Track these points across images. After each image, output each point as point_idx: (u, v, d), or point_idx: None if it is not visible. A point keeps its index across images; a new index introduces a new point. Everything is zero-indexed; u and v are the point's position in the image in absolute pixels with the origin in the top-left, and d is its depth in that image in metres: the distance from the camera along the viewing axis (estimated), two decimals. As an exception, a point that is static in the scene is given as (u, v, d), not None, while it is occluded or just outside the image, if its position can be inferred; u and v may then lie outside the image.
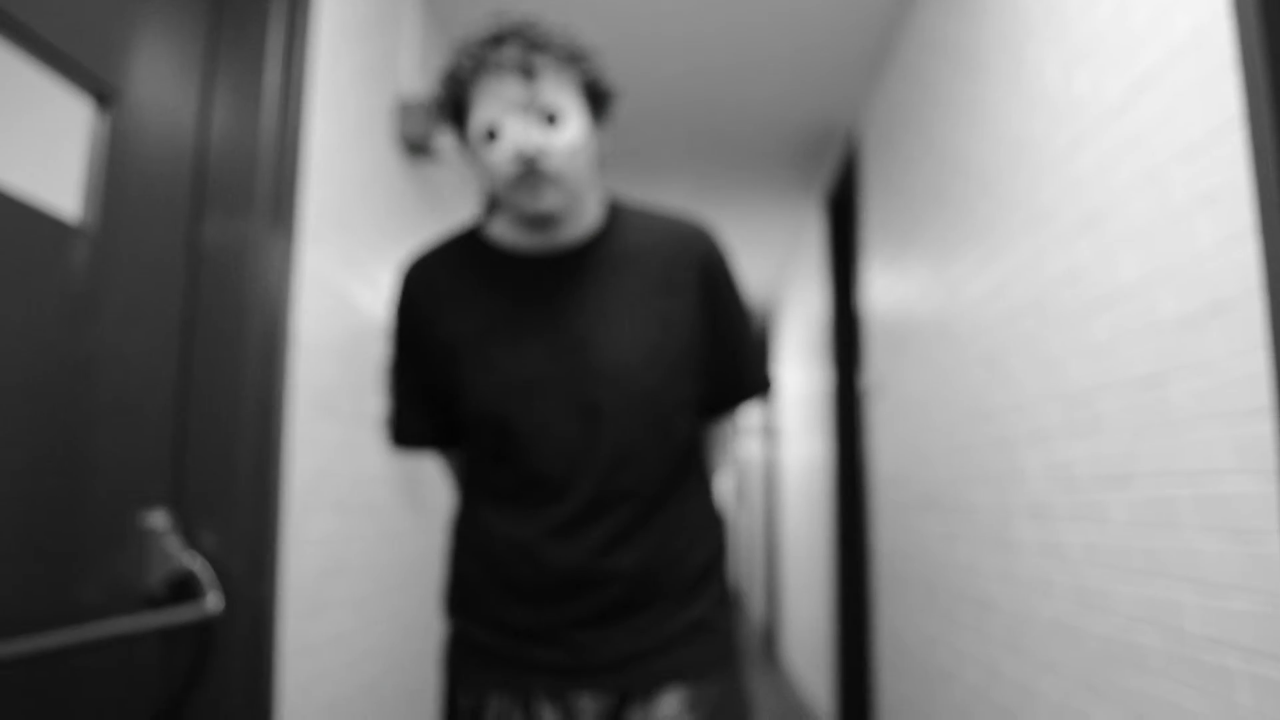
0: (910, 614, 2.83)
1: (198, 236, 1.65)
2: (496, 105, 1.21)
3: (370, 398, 2.22)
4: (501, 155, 1.22)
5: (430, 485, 2.71)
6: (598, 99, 1.29)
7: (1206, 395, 1.27)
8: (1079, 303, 1.64)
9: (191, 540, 1.58)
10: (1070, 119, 1.67)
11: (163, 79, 1.57)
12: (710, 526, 1.39)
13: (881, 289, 3.26)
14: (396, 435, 1.45)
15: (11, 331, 1.24)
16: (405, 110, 2.34)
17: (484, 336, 1.33)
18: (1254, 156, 1.17)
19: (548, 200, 1.23)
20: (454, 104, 1.26)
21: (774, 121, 3.56)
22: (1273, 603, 1.14)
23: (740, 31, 2.89)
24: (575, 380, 1.29)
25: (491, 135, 1.22)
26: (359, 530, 2.13)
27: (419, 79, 2.54)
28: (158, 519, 1.53)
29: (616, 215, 1.37)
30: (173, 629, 1.56)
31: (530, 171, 1.21)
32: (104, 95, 1.42)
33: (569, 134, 1.22)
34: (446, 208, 2.88)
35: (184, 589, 1.54)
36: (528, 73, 1.19)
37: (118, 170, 1.44)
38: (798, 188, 4.40)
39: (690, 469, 1.39)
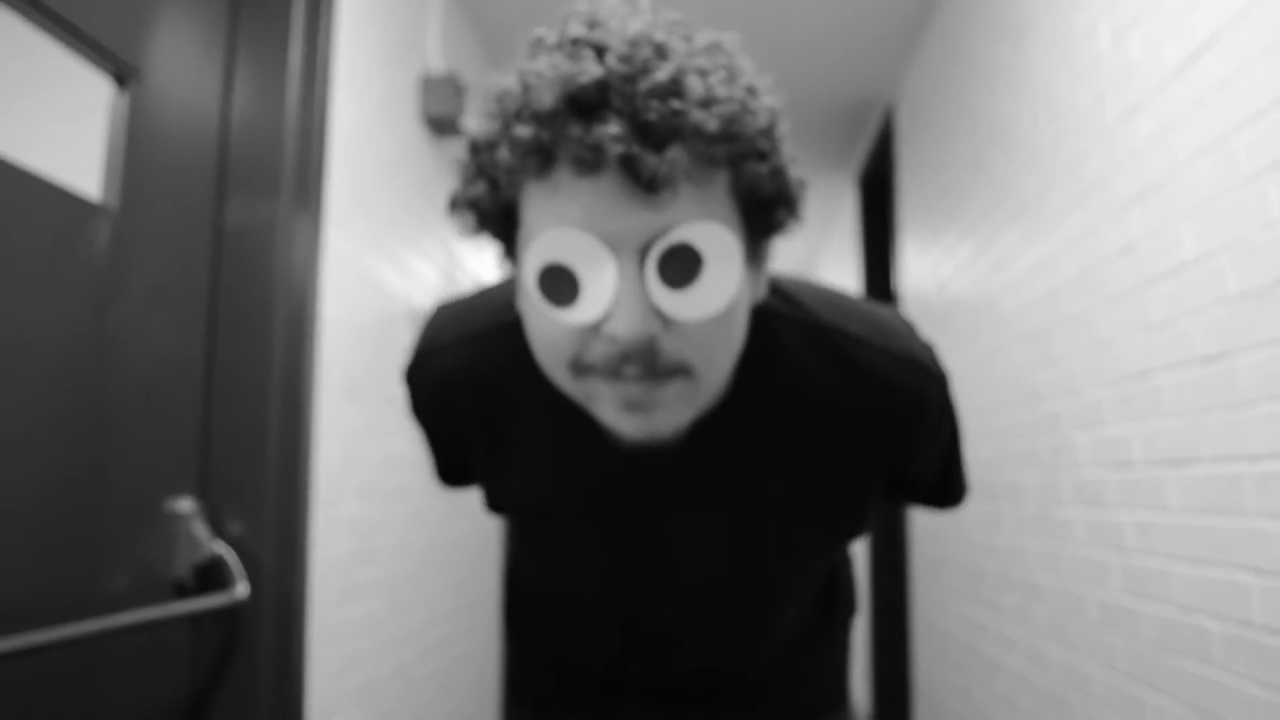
0: (949, 599, 2.77)
1: (221, 218, 1.62)
2: (575, 237, 0.65)
3: (397, 383, 2.18)
4: (578, 333, 0.69)
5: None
6: (767, 208, 0.72)
7: (1274, 373, 1.21)
8: (1133, 279, 1.57)
9: (218, 527, 1.56)
10: (1123, 86, 1.60)
11: (183, 58, 1.53)
12: (836, 634, 1.12)
13: (918, 267, 3.18)
14: (441, 477, 1.08)
15: (35, 311, 1.21)
16: (430, 87, 2.29)
17: (535, 514, 0.98)
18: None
19: (665, 423, 0.73)
20: (492, 202, 0.71)
21: (807, 97, 3.48)
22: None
23: (772, 3, 2.82)
24: (648, 608, 0.99)
25: (558, 285, 0.68)
26: (388, 515, 2.10)
27: (444, 55, 2.49)
28: (185, 506, 1.51)
29: (769, 348, 0.82)
30: (201, 616, 1.54)
31: (641, 375, 0.70)
32: (123, 74, 1.39)
33: (718, 295, 0.67)
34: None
35: (212, 577, 1.52)
36: (648, 184, 0.63)
37: (138, 149, 1.41)
38: (831, 165, 4.31)
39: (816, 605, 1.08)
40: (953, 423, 0.92)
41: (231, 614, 1.56)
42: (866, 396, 0.83)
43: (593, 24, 0.69)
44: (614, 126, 0.63)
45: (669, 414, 0.72)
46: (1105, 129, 1.66)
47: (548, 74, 0.65)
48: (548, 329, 0.71)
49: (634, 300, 0.65)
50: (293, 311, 1.66)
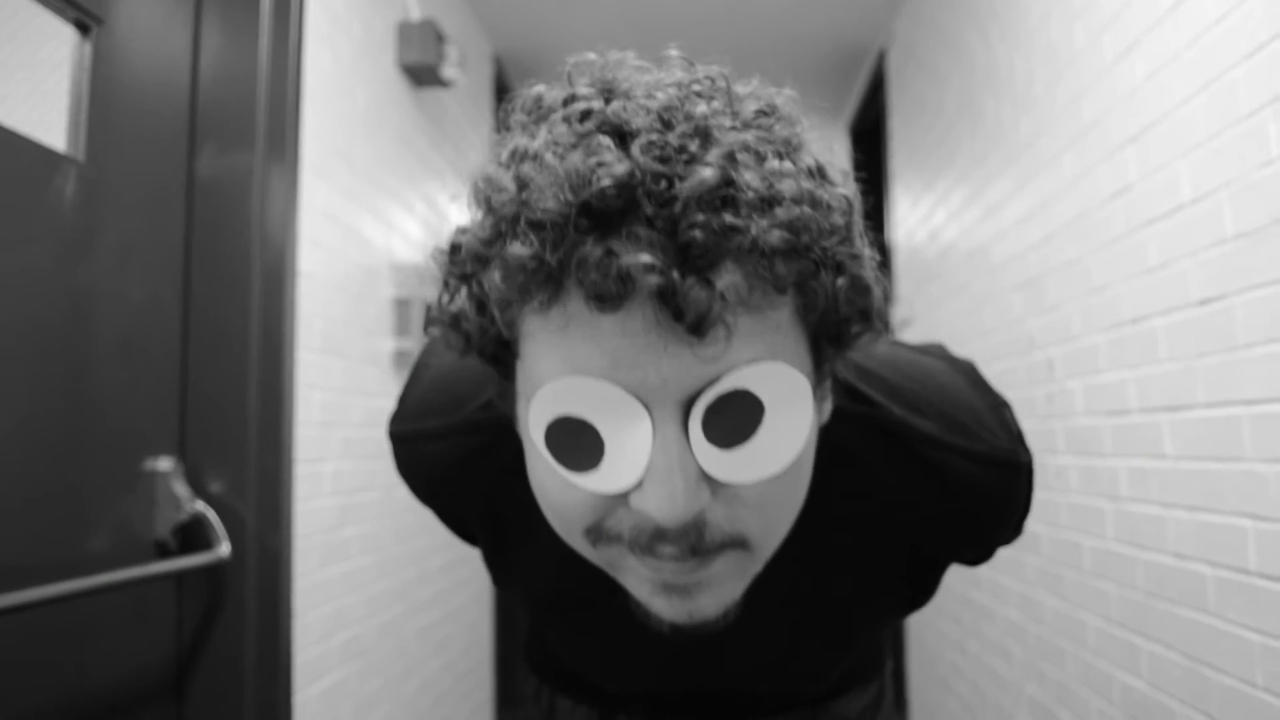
0: (941, 549, 2.77)
1: (193, 169, 1.57)
2: (596, 389, 0.51)
3: (381, 338, 2.15)
4: (600, 500, 0.55)
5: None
6: (842, 327, 0.56)
7: (1273, 313, 1.18)
8: (1128, 222, 1.54)
9: (199, 487, 1.53)
10: (1119, 23, 1.55)
11: (150, 5, 1.48)
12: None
13: (911, 217, 3.14)
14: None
15: (3, 264, 1.17)
16: (407, 35, 2.23)
17: (543, 612, 0.88)
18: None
19: (712, 606, 0.58)
20: (480, 327, 0.56)
21: (797, 43, 3.41)
22: (1347, 535, 1.06)
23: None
24: (680, 694, 0.91)
25: (574, 443, 0.53)
26: (372, 473, 2.08)
27: (421, 1, 2.43)
28: (164, 465, 1.48)
29: (834, 458, 0.66)
30: (184, 575, 1.52)
31: (682, 556, 0.55)
32: (85, 23, 1.34)
33: (782, 451, 0.53)
34: (454, 140, 2.78)
35: (193, 536, 1.50)
36: (693, 325, 0.48)
37: (104, 99, 1.37)
38: (822, 115, 4.24)
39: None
40: (1030, 503, 0.76)
41: (215, 573, 1.54)
42: (948, 505, 0.70)
43: (608, 91, 0.53)
44: (645, 254, 0.46)
45: (715, 595, 0.57)
46: (1101, 68, 1.62)
47: (552, 170, 0.49)
48: (559, 493, 0.56)
49: (674, 471, 0.50)
50: (270, 264, 1.62)
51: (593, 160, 0.48)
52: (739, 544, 0.56)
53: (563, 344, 0.51)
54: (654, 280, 0.46)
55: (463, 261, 0.55)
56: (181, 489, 1.50)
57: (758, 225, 0.48)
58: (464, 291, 0.56)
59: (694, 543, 0.54)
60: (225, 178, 1.59)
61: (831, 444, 0.65)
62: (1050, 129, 1.86)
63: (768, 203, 0.49)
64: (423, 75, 2.31)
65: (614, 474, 0.52)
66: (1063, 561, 1.83)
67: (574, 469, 0.53)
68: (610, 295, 0.47)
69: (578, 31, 3.14)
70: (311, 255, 1.79)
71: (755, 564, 0.59)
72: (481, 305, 0.55)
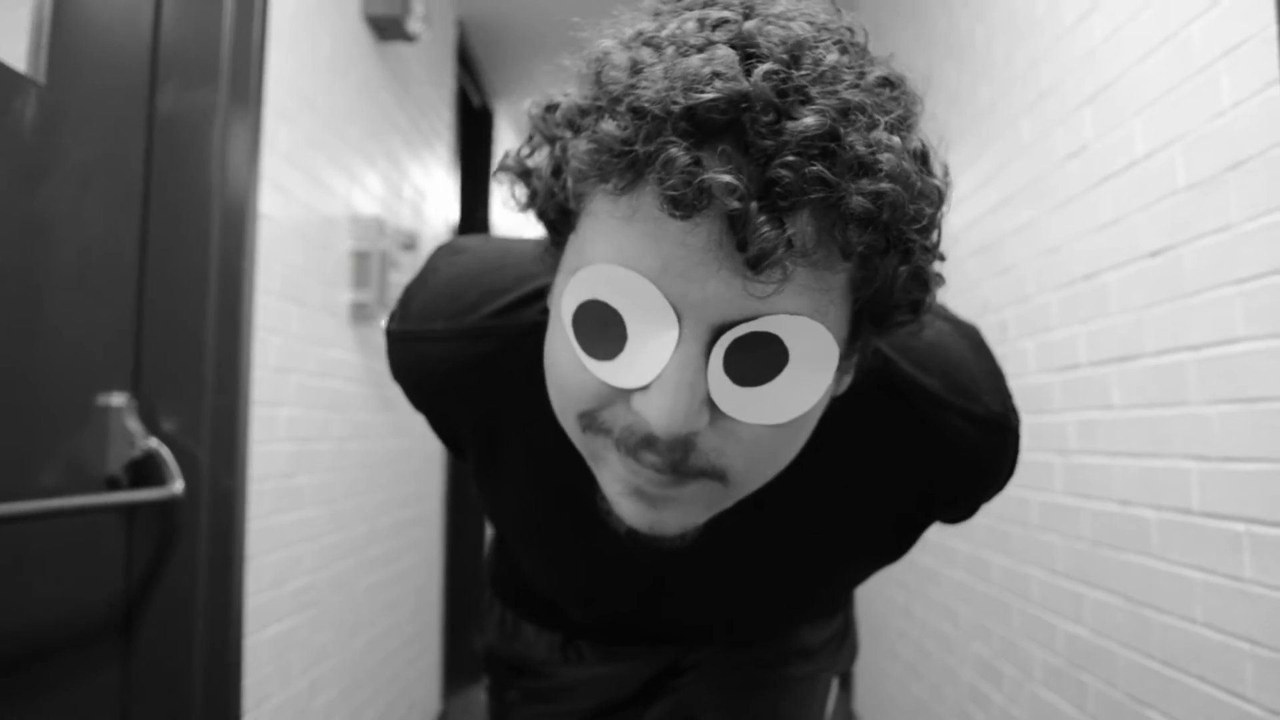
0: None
1: (154, 102, 1.55)
2: (639, 286, 0.51)
3: (339, 290, 2.13)
4: (604, 389, 0.55)
5: (404, 387, 2.64)
6: (889, 312, 0.58)
7: (1220, 260, 1.22)
8: (1084, 181, 1.58)
9: (152, 424, 1.51)
10: (1079, -14, 1.59)
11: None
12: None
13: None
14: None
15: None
16: (373, -15, 2.21)
17: (520, 527, 0.88)
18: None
19: (672, 523, 0.59)
20: (549, 188, 0.58)
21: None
22: (1286, 469, 1.10)
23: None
24: (644, 623, 0.93)
25: (599, 329, 0.53)
26: (326, 424, 2.06)
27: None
28: (117, 400, 1.46)
29: (834, 407, 0.63)
30: (135, 510, 1.50)
31: (661, 468, 0.56)
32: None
33: (791, 405, 0.54)
34: (416, 99, 2.76)
35: (146, 474, 1.47)
36: (753, 260, 0.48)
37: (66, 24, 1.34)
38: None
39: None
40: (1015, 466, 0.78)
41: (167, 510, 1.52)
42: (941, 464, 0.72)
43: (749, 7, 0.53)
44: (730, 175, 0.46)
45: (679, 514, 0.58)
46: (1061, 31, 1.65)
47: (669, 65, 0.49)
48: (568, 371, 0.56)
49: (684, 387, 0.51)
50: (231, 202, 1.59)
51: (710, 69, 0.48)
52: (718, 476, 0.56)
53: (622, 233, 0.51)
54: (731, 203, 0.46)
55: (555, 122, 0.56)
56: (135, 425, 1.47)
57: (846, 186, 0.48)
58: (546, 151, 0.57)
59: (677, 460, 0.55)
60: (187, 113, 1.56)
61: (835, 401, 0.64)
62: (1008, 94, 1.89)
63: (864, 168, 0.48)
64: (387, 28, 2.29)
65: (627, 370, 0.53)
66: (1011, 519, 1.87)
67: (591, 354, 0.54)
68: (684, 203, 0.47)
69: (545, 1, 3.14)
70: (272, 198, 1.77)
71: (726, 500, 0.60)
72: (558, 169, 0.55)
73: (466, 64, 3.39)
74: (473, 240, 0.85)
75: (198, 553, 1.54)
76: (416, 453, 2.84)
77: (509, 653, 1.06)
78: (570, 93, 0.56)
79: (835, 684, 1.10)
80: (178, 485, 1.46)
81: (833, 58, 0.50)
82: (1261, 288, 1.14)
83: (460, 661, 3.25)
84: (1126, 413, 1.44)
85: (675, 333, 0.51)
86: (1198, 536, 1.26)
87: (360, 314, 2.20)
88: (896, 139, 0.50)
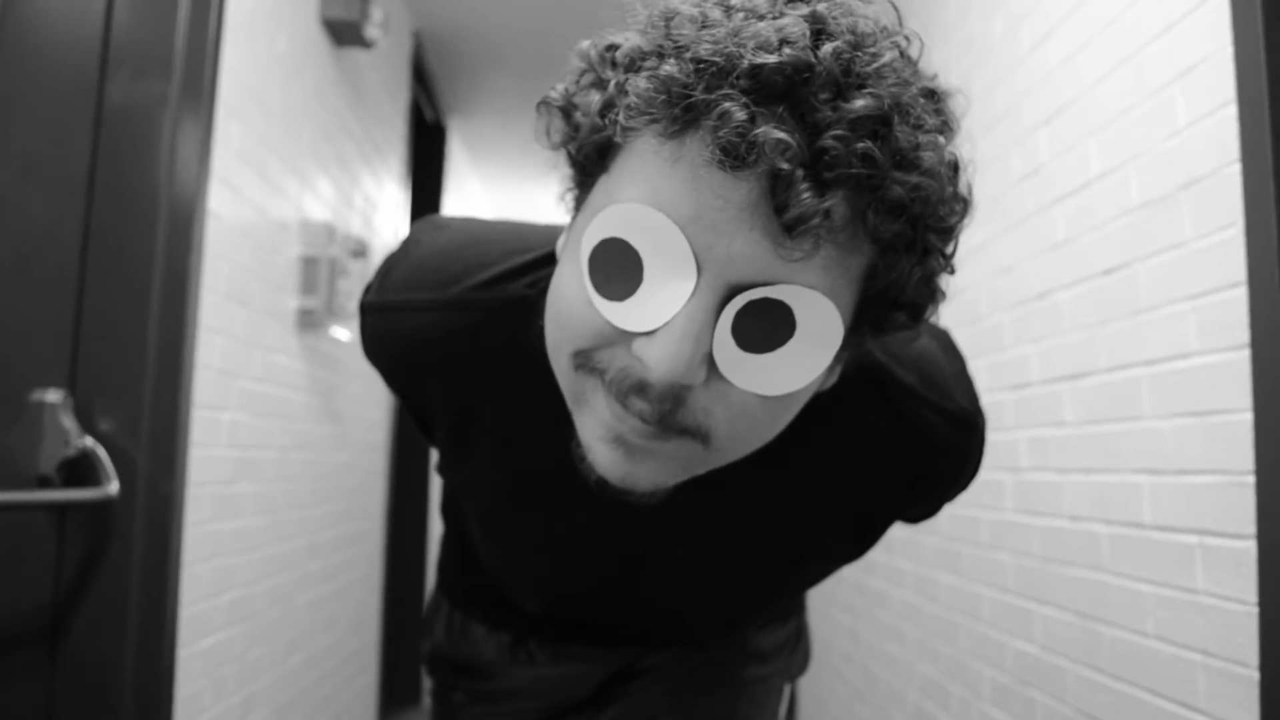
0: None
1: (103, 92, 1.50)
2: (667, 231, 0.51)
3: (286, 295, 2.08)
4: (606, 328, 0.55)
5: (346, 397, 2.59)
6: (891, 308, 0.58)
7: (1174, 276, 1.24)
8: (1038, 201, 1.60)
9: (88, 423, 1.45)
10: (1037, 12, 1.62)
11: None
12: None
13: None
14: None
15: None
16: (330, -12, 2.19)
17: (485, 505, 0.87)
18: (1234, 21, 1.12)
19: (645, 478, 0.59)
20: (592, 126, 0.57)
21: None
22: (1234, 478, 1.12)
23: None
24: (600, 610, 0.92)
25: (615, 268, 0.54)
26: (269, 432, 2.01)
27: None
28: (52, 397, 1.40)
29: (811, 414, 0.63)
30: (67, 510, 1.43)
31: (647, 417, 0.56)
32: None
33: (788, 377, 0.54)
34: (370, 108, 2.73)
35: (80, 474, 1.42)
36: (790, 224, 0.49)
37: (13, 7, 1.30)
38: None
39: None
40: (980, 463, 0.80)
41: (101, 512, 1.46)
42: (914, 457, 0.73)
43: None
44: (785, 133, 0.48)
45: (654, 470, 0.58)
46: (1018, 56, 1.69)
47: (740, 25, 0.50)
48: (574, 307, 0.56)
49: (689, 338, 0.51)
50: (178, 196, 1.55)
51: (780, 36, 0.49)
52: (701, 436, 0.56)
53: (662, 175, 0.52)
54: (780, 163, 0.47)
55: (613, 61, 0.56)
56: (70, 423, 1.42)
57: (890, 174, 0.50)
58: (594, 88, 0.57)
59: (665, 411, 0.55)
60: (137, 104, 1.52)
61: (825, 389, 0.65)
62: (965, 118, 1.92)
63: (906, 161, 0.50)
64: (344, 33, 2.26)
65: (636, 313, 0.53)
66: (960, 538, 1.88)
67: (602, 292, 0.54)
68: (735, 153, 0.48)
69: (502, 16, 3.13)
70: (221, 196, 1.72)
71: (702, 465, 0.60)
72: (607, 107, 0.55)
73: (421, 78, 3.37)
74: (455, 218, 0.85)
75: (131, 558, 1.48)
76: (360, 467, 2.78)
77: (455, 653, 1.04)
78: (630, 36, 0.56)
79: (788, 691, 1.09)
80: (113, 486, 1.40)
81: (890, 56, 0.52)
82: (1214, 303, 1.16)
83: (397, 683, 3.18)
84: (1079, 429, 1.46)
85: (692, 283, 0.51)
86: (1149, 550, 1.28)
87: (307, 320, 2.16)
88: (939, 142, 0.53)
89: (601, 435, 0.58)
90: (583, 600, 0.90)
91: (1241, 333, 1.10)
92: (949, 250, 0.57)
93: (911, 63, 0.55)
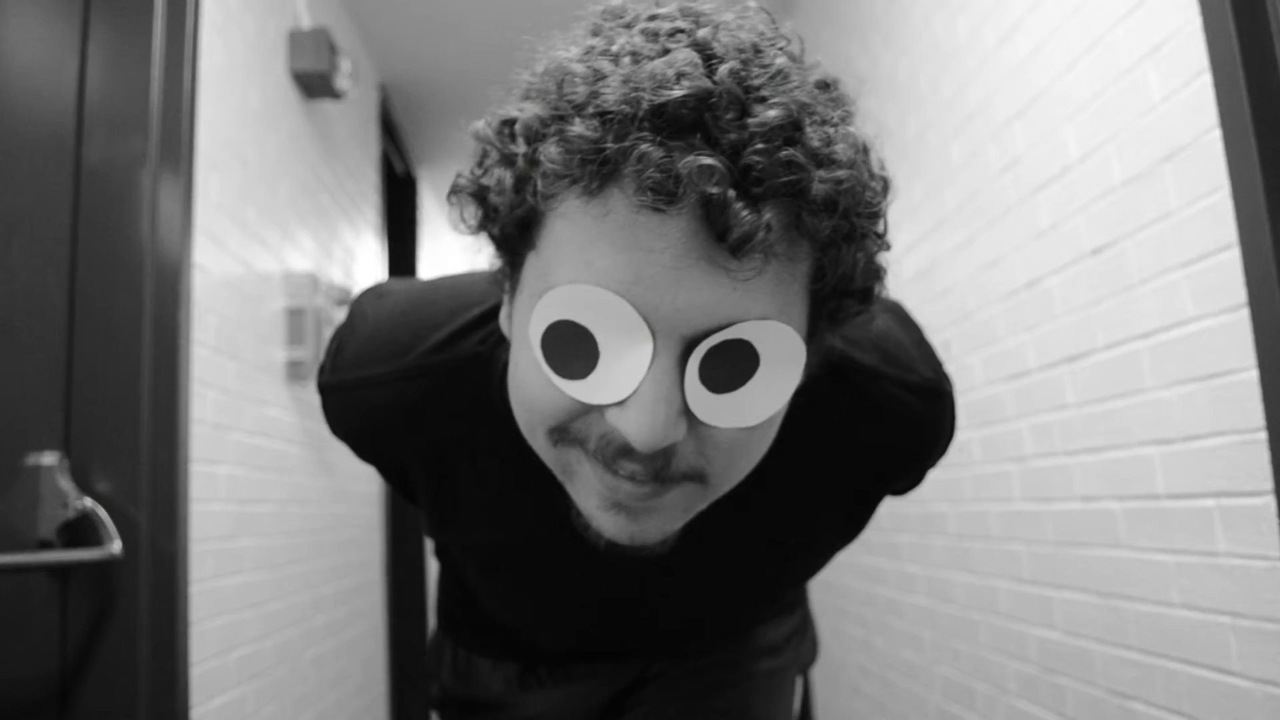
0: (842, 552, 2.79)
1: (81, 151, 1.50)
2: (610, 304, 0.51)
3: (274, 347, 2.07)
4: (577, 405, 0.55)
5: (338, 449, 2.56)
6: (843, 300, 0.59)
7: (1164, 247, 1.25)
8: (1018, 193, 1.62)
9: (86, 485, 1.43)
10: (1001, 11, 1.65)
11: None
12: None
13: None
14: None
15: None
16: (298, 42, 2.20)
17: (479, 561, 0.87)
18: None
19: (654, 531, 0.60)
20: (510, 204, 0.56)
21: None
22: (1244, 436, 1.13)
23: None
24: (608, 642, 0.94)
25: (570, 348, 0.53)
26: (265, 484, 1.98)
27: (311, 11, 2.40)
28: (48, 460, 1.38)
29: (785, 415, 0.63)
30: (71, 573, 1.41)
31: (643, 479, 0.56)
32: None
33: (764, 405, 0.55)
34: (343, 158, 2.74)
35: (80, 536, 1.39)
36: (735, 244, 0.49)
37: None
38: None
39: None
40: (954, 428, 0.83)
41: (104, 573, 1.43)
42: (887, 434, 0.74)
43: (696, 18, 0.55)
44: (707, 158, 0.48)
45: (660, 521, 0.59)
46: (985, 54, 1.72)
47: (632, 70, 0.51)
48: (537, 390, 0.56)
49: (661, 401, 0.51)
50: (164, 251, 1.54)
51: (674, 70, 0.50)
52: (698, 478, 0.57)
53: (591, 240, 0.51)
54: (708, 188, 0.47)
55: (514, 136, 0.55)
56: (67, 484, 1.39)
57: (812, 174, 0.50)
58: (502, 167, 0.56)
59: (659, 468, 0.55)
60: (116, 162, 1.52)
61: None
62: (937, 121, 1.95)
63: (823, 158, 0.51)
64: (314, 85, 2.27)
65: (602, 387, 0.53)
66: (971, 535, 1.88)
67: (562, 374, 0.54)
68: (662, 190, 0.48)
69: (466, 66, 3.16)
70: (205, 249, 1.72)
71: (705, 500, 0.60)
72: (520, 182, 0.54)
73: (389, 130, 3.38)
74: (396, 282, 0.84)
75: (139, 618, 1.45)
76: (356, 519, 2.75)
77: (463, 693, 1.04)
78: (525, 107, 0.55)
79: (800, 683, 1.10)
80: (115, 545, 1.38)
81: (781, 61, 0.53)
82: (1207, 267, 1.18)
83: (407, 741, 3.11)
84: (1082, 410, 1.46)
85: (649, 346, 0.51)
86: (1167, 520, 1.28)
87: (296, 372, 2.14)
88: (849, 132, 0.54)
89: (599, 504, 0.58)
90: (589, 629, 0.91)
91: (1238, 292, 1.12)
92: (880, 230, 0.58)
93: (799, 62, 0.56)
